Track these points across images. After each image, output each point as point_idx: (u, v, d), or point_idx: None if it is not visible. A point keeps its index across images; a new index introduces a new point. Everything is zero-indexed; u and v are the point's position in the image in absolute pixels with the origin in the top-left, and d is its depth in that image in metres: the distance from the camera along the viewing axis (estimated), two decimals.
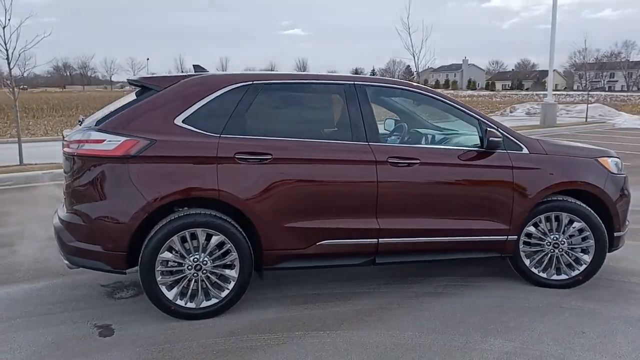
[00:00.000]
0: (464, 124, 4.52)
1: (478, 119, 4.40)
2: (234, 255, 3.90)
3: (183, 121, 3.89)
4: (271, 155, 3.91)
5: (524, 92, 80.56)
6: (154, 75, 4.54)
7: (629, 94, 72.35)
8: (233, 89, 4.03)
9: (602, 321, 3.92)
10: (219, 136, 3.90)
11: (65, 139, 4.04)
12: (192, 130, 3.88)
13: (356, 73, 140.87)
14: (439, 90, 4.46)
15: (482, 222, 4.32)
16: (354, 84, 4.27)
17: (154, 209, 3.78)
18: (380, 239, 4.14)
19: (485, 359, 3.38)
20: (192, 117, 3.91)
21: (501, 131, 4.36)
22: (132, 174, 3.76)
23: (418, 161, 4.16)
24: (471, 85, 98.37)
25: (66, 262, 3.97)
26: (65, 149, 3.98)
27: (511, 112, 35.63)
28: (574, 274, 4.52)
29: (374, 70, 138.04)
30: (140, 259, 3.79)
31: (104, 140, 3.77)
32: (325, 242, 4.05)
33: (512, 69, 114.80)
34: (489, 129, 4.28)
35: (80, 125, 4.17)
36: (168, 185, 3.80)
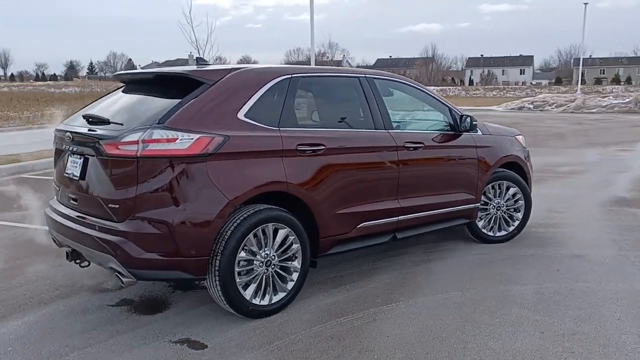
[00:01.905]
0: (422, 112, 5.28)
1: (449, 107, 5.21)
2: (297, 246, 4.00)
3: (245, 115, 3.82)
4: (324, 145, 4.10)
5: None
6: (202, 67, 4.21)
7: None
8: (279, 82, 4.07)
9: (544, 259, 5.13)
10: (279, 129, 3.93)
11: (110, 140, 3.55)
12: (255, 124, 3.83)
13: (71, 66, 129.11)
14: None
15: (461, 194, 5.17)
16: (366, 77, 4.67)
17: (234, 208, 3.67)
18: (399, 217, 4.66)
19: (521, 301, 4.21)
20: (252, 111, 3.86)
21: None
22: (210, 173, 3.57)
23: (422, 145, 4.79)
24: None
25: (126, 279, 3.56)
26: (113, 151, 3.53)
27: None
28: (510, 229, 5.69)
29: (91, 63, 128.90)
30: (218, 262, 3.63)
31: (176, 139, 3.49)
32: (363, 225, 4.40)
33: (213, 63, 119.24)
34: (462, 115, 5.12)
35: (89, 123, 3.79)
36: (246, 182, 3.72)
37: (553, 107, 33.91)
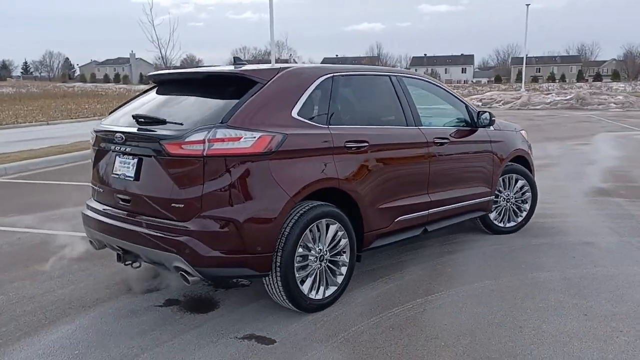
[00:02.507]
0: (441, 108, 5.46)
1: (465, 103, 5.41)
2: (345, 241, 4.09)
3: (297, 114, 3.87)
4: (367, 142, 4.20)
5: None
6: (255, 67, 4.20)
7: None
8: (323, 80, 4.14)
9: (557, 248, 5.44)
10: (328, 127, 4.01)
11: (173, 139, 3.53)
12: (308, 123, 3.90)
13: (4, 65, 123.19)
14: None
15: (479, 187, 5.39)
16: (395, 75, 4.80)
17: (294, 205, 3.73)
18: (429, 210, 4.82)
19: (553, 287, 4.46)
20: (303, 109, 3.92)
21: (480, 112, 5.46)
22: (272, 171, 3.62)
23: (448, 140, 4.97)
24: (143, 80, 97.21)
25: (192, 277, 3.56)
26: (176, 151, 3.52)
27: None
28: (519, 220, 5.97)
29: (26, 62, 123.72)
30: (280, 257, 3.68)
31: (241, 138, 3.52)
32: (400, 218, 4.54)
33: (180, 64, 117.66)
34: (480, 111, 5.34)
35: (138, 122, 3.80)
36: (304, 179, 3.78)
37: (500, 104, 35.16)
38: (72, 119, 25.51)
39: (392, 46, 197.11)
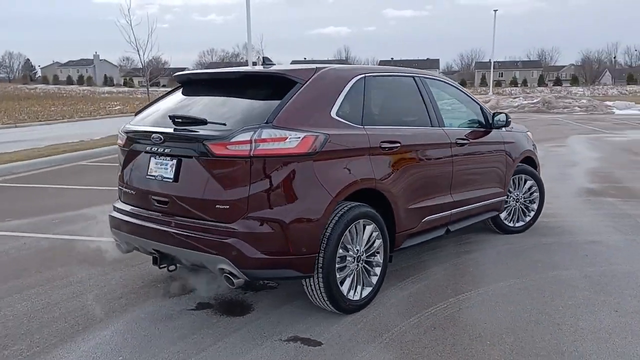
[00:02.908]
0: (458, 109, 5.53)
1: (480, 105, 5.49)
2: (379, 242, 4.10)
3: (336, 114, 3.87)
4: (400, 143, 4.22)
5: (162, 89, 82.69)
6: (291, 67, 4.15)
7: None
8: (357, 80, 4.14)
9: (567, 246, 5.57)
10: (363, 127, 4.01)
11: (218, 140, 3.47)
12: (346, 123, 3.89)
13: None
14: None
15: (494, 187, 5.48)
16: (419, 76, 4.84)
17: (336, 206, 3.72)
18: (452, 210, 4.87)
19: (577, 285, 4.56)
20: (341, 109, 3.91)
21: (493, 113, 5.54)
22: (316, 171, 3.60)
23: (468, 141, 5.03)
24: (108, 82, 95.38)
25: (237, 280, 3.51)
26: (222, 151, 3.46)
27: None
28: (527, 220, 6.09)
29: None
30: (322, 258, 3.67)
31: (287, 138, 3.49)
32: (427, 219, 4.57)
33: (145, 66, 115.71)
34: (495, 112, 5.43)
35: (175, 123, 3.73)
36: (345, 179, 3.77)
37: None
38: (40, 121, 24.90)
39: (359, 50, 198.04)
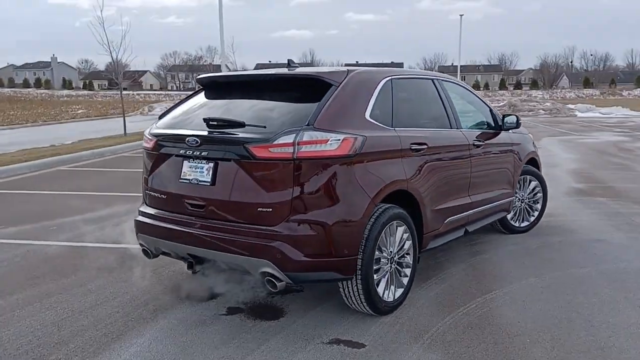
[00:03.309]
0: (470, 112, 5.60)
1: (489, 107, 5.58)
2: (409, 242, 4.13)
3: (369, 116, 3.88)
4: (427, 144, 4.26)
5: (124, 92, 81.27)
6: (323, 69, 4.12)
7: None
8: (385, 83, 4.15)
9: (574, 245, 5.71)
10: (394, 129, 4.03)
11: (261, 142, 3.44)
12: (379, 125, 3.90)
13: None
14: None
15: (504, 188, 5.57)
16: (437, 78, 4.90)
17: (374, 208, 3.73)
18: (469, 211, 4.94)
19: (596, 282, 4.68)
20: (374, 111, 3.92)
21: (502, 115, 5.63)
22: (356, 173, 3.60)
23: (483, 143, 5.11)
24: (67, 85, 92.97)
25: (280, 283, 3.47)
26: (264, 154, 3.43)
27: (150, 111, 36.49)
28: (532, 219, 6.22)
29: None
30: (361, 260, 3.67)
31: (328, 140, 3.48)
32: (448, 220, 4.62)
33: (105, 68, 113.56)
34: (505, 114, 5.53)
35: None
36: (381, 181, 3.78)
37: None
38: (2, 126, 24.13)
39: (323, 53, 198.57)
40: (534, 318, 3.91)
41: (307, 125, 3.48)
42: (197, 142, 3.67)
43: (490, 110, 5.55)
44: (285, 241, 3.41)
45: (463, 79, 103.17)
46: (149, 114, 34.47)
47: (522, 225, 6.15)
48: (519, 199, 6.08)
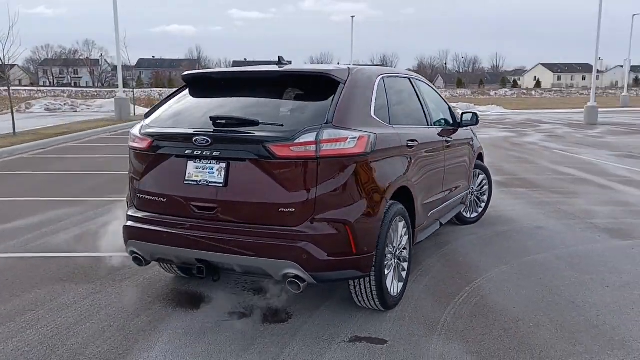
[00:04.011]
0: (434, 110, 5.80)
1: (448, 105, 5.83)
2: (406, 237, 4.22)
3: (374, 113, 3.90)
4: (417, 141, 4.37)
5: None
6: (326, 66, 3.99)
7: (96, 89, 76.35)
8: (380, 81, 4.20)
9: (521, 233, 6.16)
10: (392, 126, 4.10)
11: (282, 141, 3.33)
12: (381, 122, 3.94)
13: None
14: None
15: (464, 182, 5.85)
16: (413, 78, 5.03)
17: (385, 204, 3.76)
18: (442, 205, 5.14)
19: (565, 265, 5.06)
20: (376, 109, 3.95)
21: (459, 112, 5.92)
22: (371, 170, 3.62)
23: (451, 139, 5.33)
24: None
25: (302, 284, 3.40)
26: (285, 153, 3.33)
27: (27, 108, 33.79)
28: (480, 210, 6.59)
29: None
30: (375, 257, 3.70)
31: (347, 138, 3.45)
32: (430, 213, 4.78)
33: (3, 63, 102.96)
34: (464, 112, 5.80)
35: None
36: (390, 177, 3.83)
37: None
38: None
39: (210, 50, 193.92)
40: (524, 303, 4.16)
41: (326, 123, 3.43)
42: (207, 141, 3.48)
43: (449, 108, 5.79)
44: (310, 241, 3.34)
45: None
46: (27, 111, 31.82)
47: (472, 216, 6.48)
48: (470, 191, 6.39)
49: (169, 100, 4.12)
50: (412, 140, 4.26)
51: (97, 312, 3.93)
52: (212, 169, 3.51)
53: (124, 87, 25.60)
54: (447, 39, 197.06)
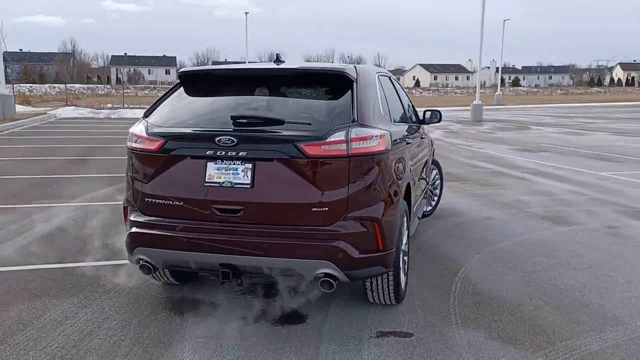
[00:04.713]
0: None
1: (410, 102, 6.02)
2: (406, 232, 4.33)
3: (382, 111, 3.96)
4: (409, 138, 4.49)
5: None
6: (336, 65, 3.89)
7: None
8: (378, 79, 4.26)
9: (474, 224, 6.54)
10: (394, 124, 4.18)
11: (314, 140, 3.28)
12: (387, 120, 4.01)
13: None
14: None
15: (429, 176, 6.08)
16: (390, 76, 5.13)
17: (402, 199, 3.84)
18: (419, 199, 5.32)
19: (530, 251, 5.42)
20: (382, 107, 4.01)
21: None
22: (391, 167, 3.67)
23: (420, 135, 5.53)
24: None
25: (336, 282, 3.39)
26: (316, 152, 3.29)
27: None
28: (433, 204, 6.88)
29: None
30: (396, 252, 3.77)
31: (372, 136, 3.47)
32: (415, 208, 4.93)
33: None
34: (426, 110, 6.02)
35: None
36: (403, 174, 3.91)
37: None
38: None
39: (84, 43, 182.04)
40: (514, 288, 4.42)
41: (352, 121, 3.44)
42: (232, 141, 3.34)
43: (413, 105, 5.98)
44: (344, 239, 3.33)
45: None
46: None
47: (428, 209, 6.75)
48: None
49: (166, 98, 3.90)
50: (407, 137, 4.37)
51: (97, 326, 3.64)
52: (236, 169, 3.38)
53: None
54: (333, 39, 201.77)
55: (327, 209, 3.32)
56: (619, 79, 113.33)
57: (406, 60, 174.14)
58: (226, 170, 3.39)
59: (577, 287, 4.43)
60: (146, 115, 3.78)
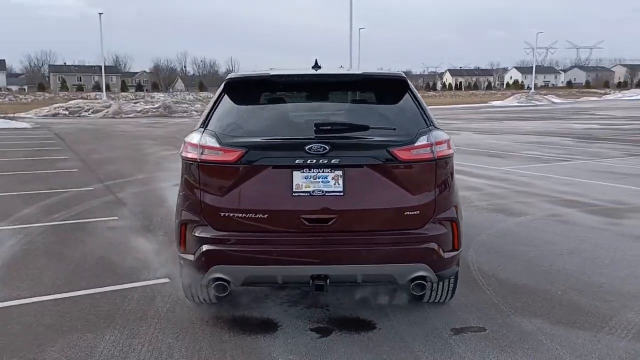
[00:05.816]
0: None
1: None
2: None
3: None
4: None
5: None
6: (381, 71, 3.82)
7: None
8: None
9: None
10: None
11: (404, 145, 3.31)
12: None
13: None
14: None
15: None
16: None
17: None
18: None
19: (501, 243, 5.83)
20: None
21: None
22: (454, 170, 3.76)
23: None
24: None
25: (427, 284, 3.44)
26: (406, 156, 3.33)
27: None
28: None
29: None
30: None
31: (446, 140, 3.55)
32: None
33: None
34: None
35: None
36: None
37: (90, 112, 34.21)
38: None
39: None
40: (526, 275, 4.75)
41: (428, 126, 3.51)
42: (324, 148, 3.24)
43: None
44: (435, 241, 3.40)
45: (79, 79, 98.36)
46: None
47: None
48: None
49: (217, 106, 3.62)
50: None
51: (169, 355, 3.31)
52: (326, 177, 3.28)
53: None
54: (184, 42, 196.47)
55: (418, 212, 3.36)
56: (450, 83, 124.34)
57: (261, 65, 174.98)
58: (315, 179, 3.28)
59: (577, 271, 4.87)
60: (205, 125, 3.50)
